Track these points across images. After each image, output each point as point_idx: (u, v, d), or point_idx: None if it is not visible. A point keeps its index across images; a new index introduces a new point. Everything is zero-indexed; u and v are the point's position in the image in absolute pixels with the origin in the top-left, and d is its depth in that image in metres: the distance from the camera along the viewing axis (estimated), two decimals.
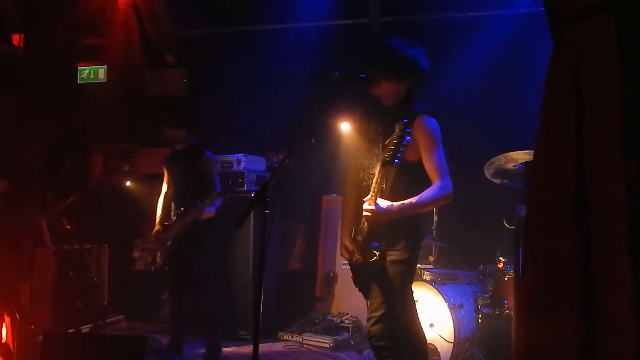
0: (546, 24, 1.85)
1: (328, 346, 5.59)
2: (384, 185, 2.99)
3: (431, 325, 4.68)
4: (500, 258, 4.91)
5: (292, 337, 5.88)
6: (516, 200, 4.29)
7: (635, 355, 1.54)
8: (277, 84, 6.46)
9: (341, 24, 6.75)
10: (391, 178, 3.00)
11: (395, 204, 3.03)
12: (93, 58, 7.39)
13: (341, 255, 3.38)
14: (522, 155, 4.15)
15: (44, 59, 5.98)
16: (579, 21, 1.70)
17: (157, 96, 7.11)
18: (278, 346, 5.73)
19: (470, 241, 5.59)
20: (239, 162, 6.17)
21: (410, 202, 3.05)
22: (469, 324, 4.78)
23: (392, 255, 3.11)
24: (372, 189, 2.99)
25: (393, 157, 2.86)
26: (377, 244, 3.07)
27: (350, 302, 6.03)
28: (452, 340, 4.61)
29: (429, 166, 3.12)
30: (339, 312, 6.13)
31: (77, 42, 7.10)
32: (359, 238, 3.14)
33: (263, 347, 5.56)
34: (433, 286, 4.81)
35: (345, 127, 6.00)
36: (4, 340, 4.09)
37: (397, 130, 2.86)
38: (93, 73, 7.42)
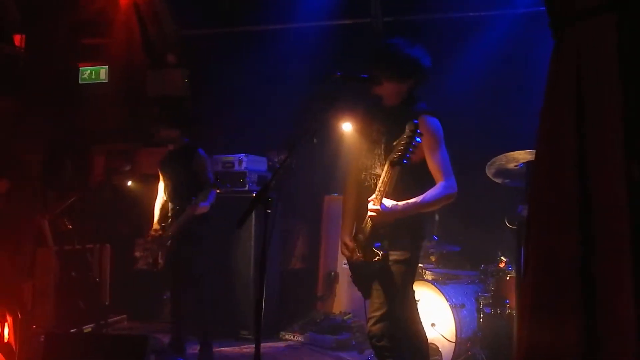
0: (547, 23, 1.86)
1: (330, 346, 5.59)
2: (390, 186, 2.99)
3: (433, 324, 4.68)
4: (502, 258, 4.91)
5: (293, 337, 5.89)
6: (517, 200, 4.29)
7: (636, 354, 1.55)
8: (278, 84, 6.46)
9: (342, 24, 6.75)
10: (395, 178, 3.00)
11: (400, 203, 3.03)
12: (94, 58, 7.40)
13: (342, 253, 3.39)
14: (524, 155, 4.15)
15: (45, 59, 5.99)
16: (580, 21, 1.71)
17: (158, 96, 7.12)
18: (280, 346, 5.74)
19: (472, 241, 5.59)
20: (240, 162, 6.18)
21: (415, 202, 3.05)
22: (471, 324, 4.77)
23: (394, 255, 3.11)
24: (378, 188, 3.00)
25: (402, 157, 2.86)
26: (379, 244, 3.07)
27: (352, 302, 6.03)
28: (453, 340, 4.62)
29: (433, 166, 3.11)
30: (340, 312, 6.12)
31: (79, 43, 7.11)
32: (361, 237, 3.14)
33: (265, 347, 5.57)
34: (435, 286, 4.81)
35: (347, 127, 6.00)
36: (6, 340, 4.10)
37: (407, 130, 2.86)
38: (94, 73, 7.43)
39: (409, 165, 2.92)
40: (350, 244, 3.22)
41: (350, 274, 3.36)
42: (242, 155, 6.17)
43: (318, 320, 6.01)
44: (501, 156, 4.30)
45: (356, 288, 3.33)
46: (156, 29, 7.20)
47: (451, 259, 5.58)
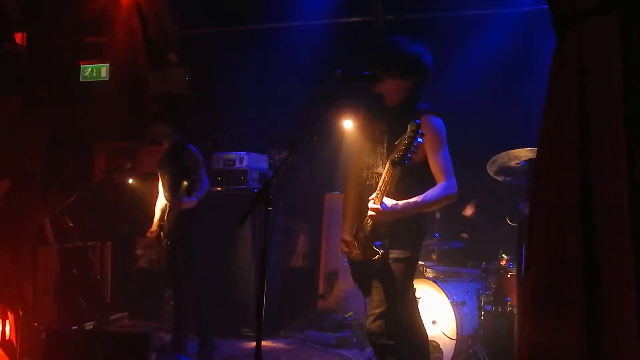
0: (549, 22, 1.85)
1: (331, 343, 5.59)
2: (391, 185, 2.98)
3: (434, 322, 4.68)
4: (503, 255, 4.91)
5: (295, 335, 5.89)
6: (519, 198, 4.30)
7: (638, 353, 1.55)
8: (279, 82, 6.46)
9: (344, 22, 6.75)
10: (396, 178, 2.99)
11: (401, 202, 3.03)
12: (96, 56, 7.40)
13: (341, 250, 3.39)
14: (525, 153, 4.15)
15: (46, 57, 5.97)
16: (582, 20, 1.71)
17: (160, 94, 7.12)
18: (281, 343, 5.74)
19: (473, 238, 5.59)
20: (241, 159, 6.17)
21: (415, 202, 3.05)
22: (472, 321, 4.78)
23: (394, 254, 3.11)
24: (379, 187, 2.99)
25: (403, 157, 2.85)
26: (379, 243, 3.07)
27: (353, 300, 6.03)
28: (454, 338, 4.62)
29: (434, 166, 3.11)
30: (341, 310, 6.13)
31: (80, 41, 7.10)
32: (361, 235, 3.14)
33: (266, 345, 5.58)
34: (436, 283, 4.81)
35: (348, 125, 6.00)
36: (7, 337, 4.10)
37: (409, 130, 2.84)
38: (96, 71, 7.42)
39: (410, 165, 2.92)
40: (349, 240, 3.22)
41: (351, 271, 3.36)
42: (243, 153, 6.17)
43: (319, 318, 6.02)
44: (503, 154, 4.30)
45: (356, 285, 3.34)
46: (158, 28, 7.20)
47: (452, 257, 5.58)
